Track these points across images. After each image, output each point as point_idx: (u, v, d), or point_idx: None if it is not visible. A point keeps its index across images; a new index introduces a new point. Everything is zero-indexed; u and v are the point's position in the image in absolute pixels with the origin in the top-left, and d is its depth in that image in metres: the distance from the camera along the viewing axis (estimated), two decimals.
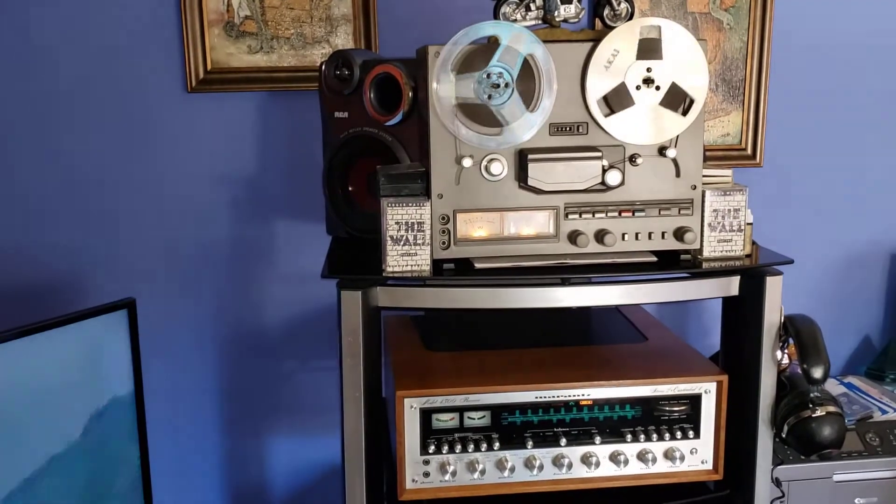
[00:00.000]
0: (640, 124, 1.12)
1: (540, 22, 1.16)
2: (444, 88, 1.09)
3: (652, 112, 1.12)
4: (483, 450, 1.19)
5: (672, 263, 1.17)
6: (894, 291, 1.91)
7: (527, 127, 1.10)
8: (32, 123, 1.67)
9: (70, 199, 1.70)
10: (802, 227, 1.85)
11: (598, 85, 1.10)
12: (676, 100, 1.12)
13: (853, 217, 1.87)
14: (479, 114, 1.10)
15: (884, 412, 1.63)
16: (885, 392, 1.72)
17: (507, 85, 1.08)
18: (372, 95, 1.29)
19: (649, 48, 1.10)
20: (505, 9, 1.15)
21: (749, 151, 1.77)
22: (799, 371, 1.17)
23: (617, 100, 1.11)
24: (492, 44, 1.08)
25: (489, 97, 1.08)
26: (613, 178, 1.12)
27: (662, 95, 1.12)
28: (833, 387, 1.74)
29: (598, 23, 1.19)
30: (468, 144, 1.11)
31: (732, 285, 1.19)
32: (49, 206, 1.70)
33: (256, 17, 1.64)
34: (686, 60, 1.11)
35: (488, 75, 1.08)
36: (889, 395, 1.72)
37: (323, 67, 1.35)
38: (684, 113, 1.12)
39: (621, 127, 1.12)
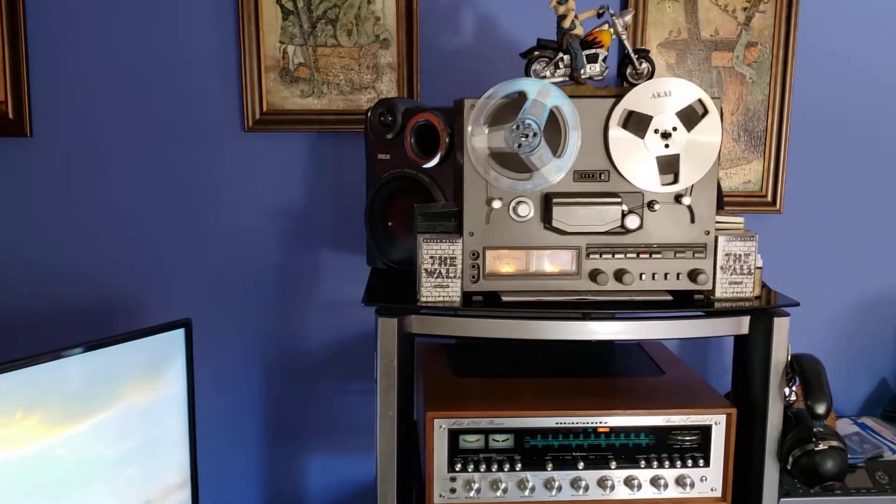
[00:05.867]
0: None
1: (567, 79, 1.25)
2: (478, 140, 1.18)
3: (648, 158, 1.20)
4: (506, 470, 1.25)
5: (686, 303, 1.24)
6: None
7: (555, 171, 1.18)
8: (101, 157, 1.76)
9: (132, 226, 1.79)
10: (820, 270, 1.87)
11: (636, 101, 1.19)
12: (669, 168, 1.20)
13: (869, 261, 1.89)
14: (510, 161, 1.18)
15: (894, 452, 1.65)
16: None
17: (535, 135, 1.16)
18: (412, 140, 1.37)
19: (688, 115, 1.19)
20: (536, 66, 1.24)
21: (769, 198, 1.83)
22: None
23: (635, 124, 1.19)
24: (521, 98, 1.17)
25: (519, 146, 1.17)
26: (632, 222, 1.20)
27: (665, 155, 1.19)
28: (846, 426, 1.77)
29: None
30: (498, 188, 1.19)
31: (742, 325, 1.25)
32: (113, 232, 1.79)
33: (309, 65, 1.75)
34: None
35: (518, 126, 1.17)
36: None
37: (369, 114, 1.44)
38: (664, 183, 1.20)
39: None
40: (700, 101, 1.19)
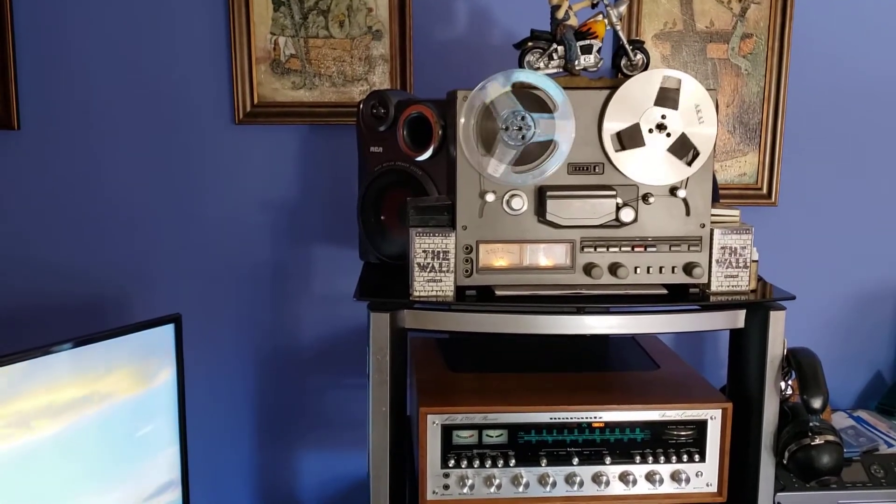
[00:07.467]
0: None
1: (561, 70, 1.23)
2: (495, 88, 1.16)
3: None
4: (500, 466, 1.25)
5: (681, 296, 1.23)
6: None
7: (501, 173, 1.17)
8: (90, 150, 1.75)
9: (122, 220, 1.78)
10: (816, 263, 1.87)
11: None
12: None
13: (865, 255, 1.89)
14: (486, 132, 1.17)
15: (890, 445, 1.65)
16: (892, 427, 1.74)
17: (523, 137, 1.15)
18: (405, 133, 1.37)
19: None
20: (529, 57, 1.23)
21: (765, 191, 1.82)
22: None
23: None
24: (548, 103, 1.16)
25: (506, 129, 1.15)
26: (627, 215, 1.19)
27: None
28: (842, 420, 1.77)
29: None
30: (489, 179, 1.18)
31: (738, 318, 1.24)
32: (102, 226, 1.78)
33: (301, 56, 1.73)
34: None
35: (523, 117, 1.15)
36: None
37: (361, 106, 1.42)
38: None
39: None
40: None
